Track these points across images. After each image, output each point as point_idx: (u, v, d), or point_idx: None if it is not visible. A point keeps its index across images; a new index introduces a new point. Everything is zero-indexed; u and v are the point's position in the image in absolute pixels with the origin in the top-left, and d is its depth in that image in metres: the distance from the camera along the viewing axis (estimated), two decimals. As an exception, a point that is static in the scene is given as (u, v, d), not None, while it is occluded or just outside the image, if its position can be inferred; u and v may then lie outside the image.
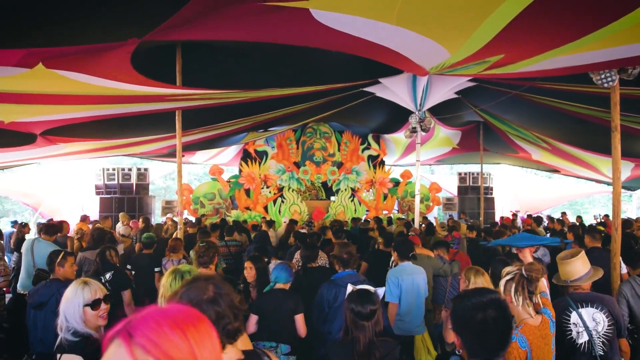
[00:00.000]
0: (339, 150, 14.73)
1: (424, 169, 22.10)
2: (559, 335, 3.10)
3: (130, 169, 14.07)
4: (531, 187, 20.28)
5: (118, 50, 4.45)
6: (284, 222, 10.77)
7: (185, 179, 24.32)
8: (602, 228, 9.59)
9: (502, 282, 2.50)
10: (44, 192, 15.71)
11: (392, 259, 4.97)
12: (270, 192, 13.97)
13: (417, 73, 6.48)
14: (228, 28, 4.44)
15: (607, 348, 3.11)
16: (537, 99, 7.85)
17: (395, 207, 15.65)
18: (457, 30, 4.33)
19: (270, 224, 8.87)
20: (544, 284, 3.76)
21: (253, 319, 3.63)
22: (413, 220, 9.75)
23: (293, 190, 14.09)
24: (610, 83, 4.77)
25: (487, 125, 11.64)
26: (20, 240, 8.35)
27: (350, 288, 2.83)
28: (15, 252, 8.39)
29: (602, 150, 9.94)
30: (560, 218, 13.29)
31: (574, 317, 3.14)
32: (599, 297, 3.24)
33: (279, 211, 13.77)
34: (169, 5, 3.65)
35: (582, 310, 3.15)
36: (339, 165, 14.69)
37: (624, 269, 4.75)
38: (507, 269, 2.58)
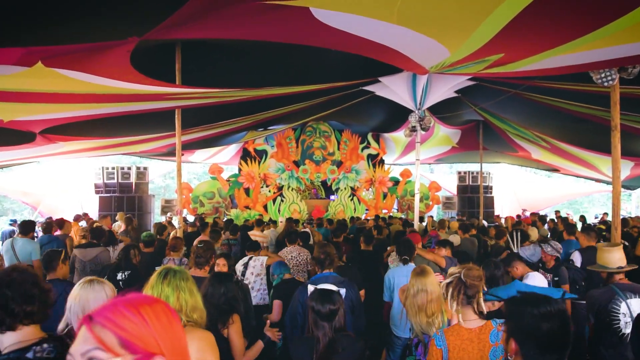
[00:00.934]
0: (338, 149, 14.73)
1: (424, 168, 22.11)
2: (604, 324, 3.20)
3: (129, 168, 14.05)
4: (531, 186, 20.29)
5: (117, 49, 4.44)
6: (281, 221, 10.77)
7: (185, 177, 24.32)
8: (602, 227, 9.61)
9: (443, 285, 2.50)
10: (43, 191, 15.69)
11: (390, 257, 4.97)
12: (269, 191, 13.97)
13: (417, 72, 6.47)
14: (227, 27, 4.44)
15: None
16: (536, 98, 7.84)
17: (395, 206, 15.66)
18: (457, 29, 4.32)
19: (260, 223, 8.80)
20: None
21: (277, 304, 4.05)
22: (421, 218, 9.75)
23: (292, 189, 14.09)
24: (610, 82, 4.78)
25: (487, 124, 11.64)
26: None
27: (311, 287, 2.84)
28: None
29: (602, 149, 9.94)
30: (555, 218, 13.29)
31: (623, 307, 3.20)
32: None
33: (279, 210, 13.77)
34: (168, 3, 3.64)
35: (631, 301, 3.21)
36: (339, 164, 14.69)
37: None
38: (451, 270, 2.57)
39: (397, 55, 5.25)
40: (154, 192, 16.19)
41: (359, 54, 5.46)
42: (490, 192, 16.30)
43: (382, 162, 15.39)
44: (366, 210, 14.84)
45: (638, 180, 14.34)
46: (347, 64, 6.57)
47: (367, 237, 6.30)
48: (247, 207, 13.55)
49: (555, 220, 11.66)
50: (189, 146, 11.93)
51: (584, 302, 4.98)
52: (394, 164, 17.66)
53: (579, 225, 10.41)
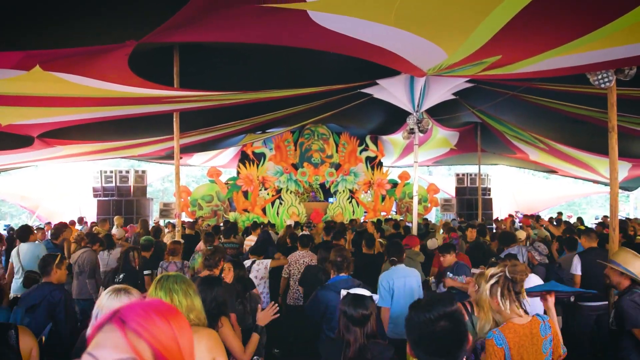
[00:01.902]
0: (336, 151, 14.74)
1: (422, 170, 22.12)
2: None
3: (128, 172, 14.04)
4: (529, 187, 20.32)
5: (115, 52, 4.44)
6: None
7: (183, 181, 24.29)
8: (600, 228, 9.60)
9: (487, 287, 2.49)
10: (41, 195, 15.67)
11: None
12: (268, 194, 13.97)
13: (415, 74, 6.49)
14: (225, 30, 4.44)
15: None
16: (534, 100, 7.86)
17: (394, 209, 15.66)
18: (455, 32, 4.34)
19: (255, 226, 8.82)
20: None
21: None
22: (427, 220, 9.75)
23: (291, 191, 14.09)
24: (607, 84, 4.78)
25: (485, 126, 11.66)
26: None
27: (344, 292, 2.82)
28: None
29: (600, 150, 9.96)
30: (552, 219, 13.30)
31: None
32: None
33: (277, 213, 13.76)
34: (166, 7, 3.64)
35: None
36: (337, 166, 14.70)
37: None
38: (491, 271, 2.57)
39: (395, 57, 5.26)
40: (153, 196, 16.20)
41: (356, 56, 5.47)
42: (489, 194, 16.32)
43: (380, 164, 15.40)
44: (365, 212, 14.84)
45: (636, 181, 14.36)
46: (345, 67, 6.58)
47: (369, 241, 6.15)
48: (245, 210, 13.54)
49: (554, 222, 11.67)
50: (187, 149, 11.93)
51: (590, 304, 5.01)
52: (393, 167, 17.68)
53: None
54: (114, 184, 13.64)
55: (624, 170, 11.95)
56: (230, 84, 6.47)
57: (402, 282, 4.31)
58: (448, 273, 4.76)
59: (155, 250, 6.49)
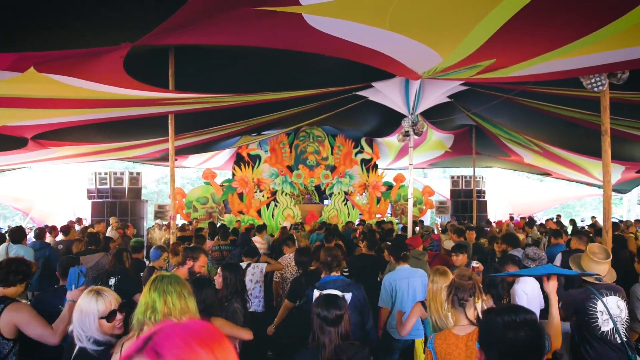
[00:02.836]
0: (332, 153, 14.76)
1: (417, 173, 22.17)
2: (583, 323, 3.34)
3: (122, 173, 13.99)
4: (523, 190, 20.41)
5: (110, 55, 4.43)
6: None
7: (178, 183, 24.20)
8: (591, 230, 9.68)
9: (444, 287, 2.54)
10: (35, 197, 15.58)
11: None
12: (263, 196, 13.96)
13: (410, 77, 6.51)
14: (221, 32, 4.44)
15: (628, 334, 3.33)
16: (528, 103, 7.90)
17: (389, 211, 15.69)
18: (449, 35, 4.36)
19: (261, 228, 8.88)
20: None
21: None
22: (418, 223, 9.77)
23: (286, 194, 14.09)
24: (600, 87, 4.83)
25: (479, 128, 11.70)
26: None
27: (317, 293, 2.82)
28: None
29: (593, 153, 10.02)
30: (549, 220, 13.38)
31: (600, 305, 3.32)
32: (616, 287, 3.48)
33: (272, 215, 13.75)
34: (161, 9, 3.64)
35: (607, 299, 3.34)
36: (332, 168, 14.71)
37: None
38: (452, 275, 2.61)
39: (390, 60, 5.28)
40: (147, 198, 16.13)
41: (351, 59, 5.48)
42: (483, 197, 16.38)
43: (375, 166, 15.43)
44: (360, 214, 14.86)
45: (629, 184, 14.47)
46: (340, 70, 6.59)
47: (370, 241, 6.13)
48: (240, 212, 13.52)
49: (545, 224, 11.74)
50: (182, 151, 11.90)
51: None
52: (388, 169, 17.71)
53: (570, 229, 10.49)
54: (108, 186, 13.58)
55: (617, 172, 12.02)
56: (225, 86, 6.47)
57: (406, 282, 4.33)
58: None
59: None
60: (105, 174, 13.76)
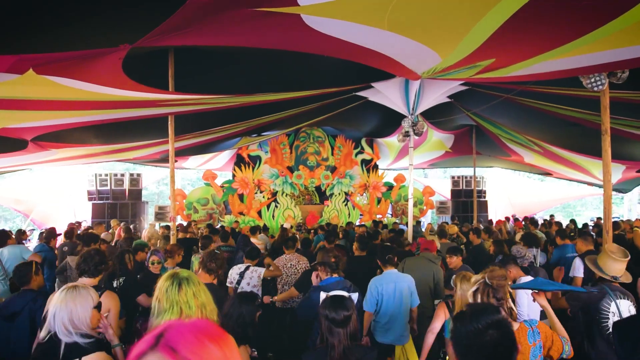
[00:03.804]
0: (332, 154, 14.76)
1: (418, 173, 22.17)
2: (593, 321, 3.36)
3: (122, 175, 14.00)
4: (524, 190, 20.39)
5: (109, 56, 4.43)
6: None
7: (179, 184, 24.22)
8: (595, 230, 9.66)
9: (470, 294, 2.49)
10: (35, 199, 15.57)
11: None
12: (263, 197, 13.95)
13: (410, 77, 6.50)
14: (220, 34, 4.44)
15: None
16: (528, 102, 7.90)
17: (389, 211, 15.68)
18: (448, 35, 4.35)
19: (262, 229, 8.90)
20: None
21: None
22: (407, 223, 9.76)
23: (287, 194, 14.08)
24: (600, 87, 4.82)
25: (480, 128, 11.70)
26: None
27: (323, 295, 2.82)
28: None
29: (593, 153, 10.02)
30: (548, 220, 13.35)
31: (613, 306, 3.35)
32: (628, 292, 3.51)
33: (273, 216, 13.75)
34: (160, 11, 3.64)
35: (620, 302, 3.37)
36: (333, 169, 14.71)
37: None
38: (474, 278, 2.57)
39: (389, 61, 5.28)
40: (148, 199, 16.13)
41: (351, 60, 5.48)
42: (484, 197, 16.37)
43: (376, 167, 15.42)
44: (360, 215, 14.85)
45: (629, 183, 14.45)
46: (340, 70, 6.59)
47: (362, 243, 6.06)
48: (241, 213, 13.52)
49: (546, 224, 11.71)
50: (182, 152, 11.90)
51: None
52: (388, 169, 17.71)
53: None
54: (108, 187, 13.60)
55: (618, 172, 12.01)
56: (225, 87, 6.47)
57: (392, 286, 4.30)
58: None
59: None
60: (106, 175, 13.77)
